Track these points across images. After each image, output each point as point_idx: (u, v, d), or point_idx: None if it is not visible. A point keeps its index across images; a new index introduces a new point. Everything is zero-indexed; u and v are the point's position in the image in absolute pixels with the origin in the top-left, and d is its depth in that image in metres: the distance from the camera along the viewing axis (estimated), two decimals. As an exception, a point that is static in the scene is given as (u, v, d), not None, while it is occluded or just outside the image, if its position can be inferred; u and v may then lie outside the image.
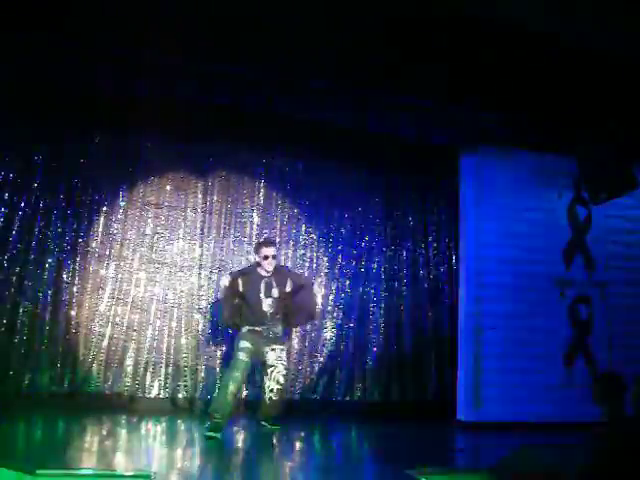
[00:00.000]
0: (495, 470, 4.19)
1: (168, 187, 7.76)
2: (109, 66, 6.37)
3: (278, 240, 7.95)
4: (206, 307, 7.64)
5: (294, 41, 6.17)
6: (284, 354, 6.41)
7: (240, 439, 6.50)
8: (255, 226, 8.00)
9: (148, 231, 7.62)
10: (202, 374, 7.49)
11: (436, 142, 7.72)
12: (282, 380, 6.32)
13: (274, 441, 6.24)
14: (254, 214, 8.02)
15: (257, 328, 6.27)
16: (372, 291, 8.26)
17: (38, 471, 4.15)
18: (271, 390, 6.26)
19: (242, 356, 6.14)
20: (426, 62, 6.43)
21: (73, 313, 7.22)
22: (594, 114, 7.06)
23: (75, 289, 7.28)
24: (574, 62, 6.45)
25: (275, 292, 6.31)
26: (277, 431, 6.35)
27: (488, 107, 7.17)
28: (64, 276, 7.26)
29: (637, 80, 6.60)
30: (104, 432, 6.28)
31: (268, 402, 6.29)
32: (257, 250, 6.49)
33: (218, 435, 5.92)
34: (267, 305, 6.29)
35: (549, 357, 7.75)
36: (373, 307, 8.23)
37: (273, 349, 6.29)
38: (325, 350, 7.97)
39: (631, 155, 7.40)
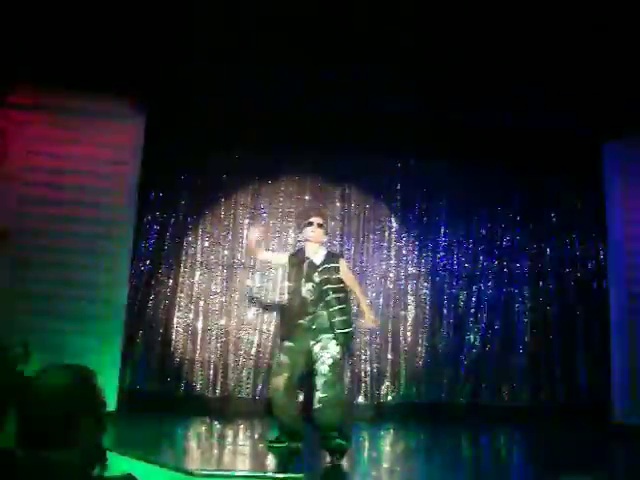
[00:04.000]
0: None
1: (307, 197, 7.93)
2: (252, 82, 6.68)
3: (417, 243, 7.94)
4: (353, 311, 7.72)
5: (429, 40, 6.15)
6: (332, 343, 5.12)
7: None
8: (393, 231, 8.02)
9: (290, 241, 7.81)
10: (347, 379, 7.57)
11: (580, 134, 7.47)
12: (326, 370, 5.03)
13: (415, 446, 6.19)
14: (392, 219, 8.04)
15: (299, 321, 5.26)
16: (516, 291, 8.05)
17: (195, 472, 4.37)
18: (317, 389, 5.05)
19: (283, 358, 5.27)
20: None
21: (222, 322, 7.54)
22: None
23: (224, 299, 7.59)
24: None
25: (316, 277, 5.26)
26: (344, 448, 5.07)
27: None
28: (213, 287, 7.59)
29: None
30: (255, 435, 6.52)
31: (318, 406, 5.02)
32: (302, 217, 5.62)
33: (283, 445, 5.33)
34: (307, 291, 5.28)
35: None
36: (518, 307, 8.02)
37: (319, 340, 5.18)
38: (470, 353, 7.85)
39: None
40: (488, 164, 8.10)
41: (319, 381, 5.03)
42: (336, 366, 5.11)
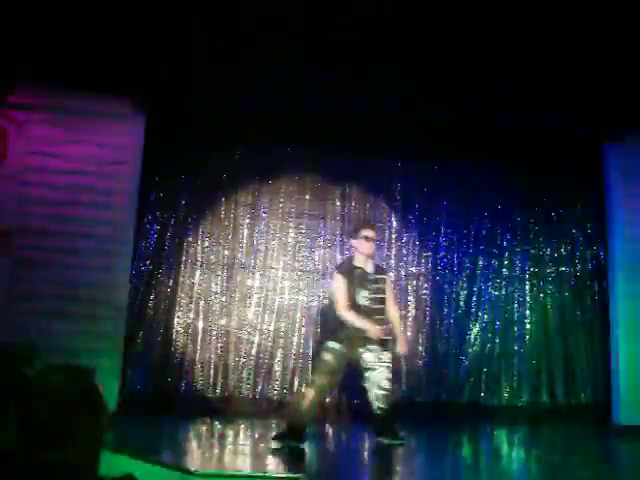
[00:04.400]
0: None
1: (307, 196, 7.93)
2: (252, 82, 6.69)
3: (417, 243, 7.95)
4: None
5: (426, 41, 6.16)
6: (386, 355, 5.55)
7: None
8: (394, 230, 8.02)
9: (290, 240, 7.82)
10: (348, 379, 7.57)
11: (578, 135, 7.47)
12: (386, 384, 5.49)
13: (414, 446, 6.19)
14: (392, 218, 8.04)
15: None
16: (516, 291, 8.05)
17: (195, 471, 4.37)
18: (377, 398, 5.48)
19: (327, 357, 5.49)
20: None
21: (223, 322, 7.54)
22: None
23: (224, 299, 7.60)
24: None
25: (369, 285, 5.59)
26: (398, 446, 5.62)
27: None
28: (213, 287, 7.60)
29: None
30: (256, 435, 6.53)
31: (378, 413, 5.51)
32: (355, 233, 5.78)
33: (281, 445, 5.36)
34: (361, 298, 5.56)
35: None
36: (518, 307, 8.01)
37: (369, 349, 5.51)
38: (470, 352, 7.85)
39: None
40: (488, 164, 8.10)
41: (378, 392, 5.45)
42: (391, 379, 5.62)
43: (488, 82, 6.74)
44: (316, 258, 7.84)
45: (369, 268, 5.67)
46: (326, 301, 7.42)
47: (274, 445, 5.38)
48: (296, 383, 7.52)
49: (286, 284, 7.72)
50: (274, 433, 5.67)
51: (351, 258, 5.82)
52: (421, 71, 6.56)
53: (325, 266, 7.81)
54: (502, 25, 5.95)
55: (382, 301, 5.63)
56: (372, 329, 5.40)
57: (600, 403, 7.50)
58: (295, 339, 7.62)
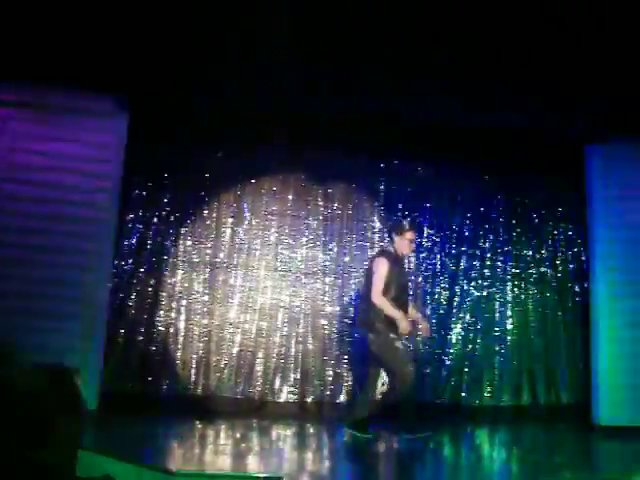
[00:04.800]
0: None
1: (290, 196, 7.92)
2: (235, 81, 6.67)
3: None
4: (331, 312, 7.75)
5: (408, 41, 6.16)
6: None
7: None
8: (376, 231, 8.04)
9: (272, 240, 7.81)
10: (329, 378, 7.60)
11: (562, 136, 7.52)
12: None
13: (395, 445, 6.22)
14: (375, 218, 8.06)
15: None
16: (498, 291, 8.10)
17: (176, 472, 4.35)
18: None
19: (401, 346, 5.98)
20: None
21: (205, 321, 7.52)
22: None
23: (206, 298, 7.58)
24: None
25: (404, 280, 6.17)
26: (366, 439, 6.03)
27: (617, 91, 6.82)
28: (195, 286, 7.58)
29: None
30: (237, 435, 6.52)
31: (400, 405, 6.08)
32: (401, 231, 6.13)
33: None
34: (397, 288, 6.01)
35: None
36: (500, 308, 8.06)
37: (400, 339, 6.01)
38: (451, 353, 7.89)
39: None
40: (471, 165, 8.12)
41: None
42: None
43: (472, 82, 6.74)
44: (298, 258, 7.83)
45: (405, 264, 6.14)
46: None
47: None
48: (277, 383, 7.52)
49: (268, 284, 7.71)
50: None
51: (392, 250, 6.10)
52: (404, 70, 6.55)
53: (307, 265, 7.82)
54: (486, 24, 5.95)
55: (408, 296, 6.12)
56: (404, 322, 5.73)
57: (581, 403, 7.55)
58: (277, 339, 7.61)
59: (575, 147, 7.73)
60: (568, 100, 6.90)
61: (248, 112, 7.25)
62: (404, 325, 5.69)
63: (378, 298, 5.75)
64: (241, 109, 7.22)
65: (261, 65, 6.41)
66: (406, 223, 6.33)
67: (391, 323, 5.80)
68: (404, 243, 6.01)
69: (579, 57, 6.21)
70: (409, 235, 6.06)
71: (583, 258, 8.13)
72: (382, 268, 5.91)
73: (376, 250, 7.88)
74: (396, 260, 6.01)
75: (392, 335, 5.80)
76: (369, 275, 6.08)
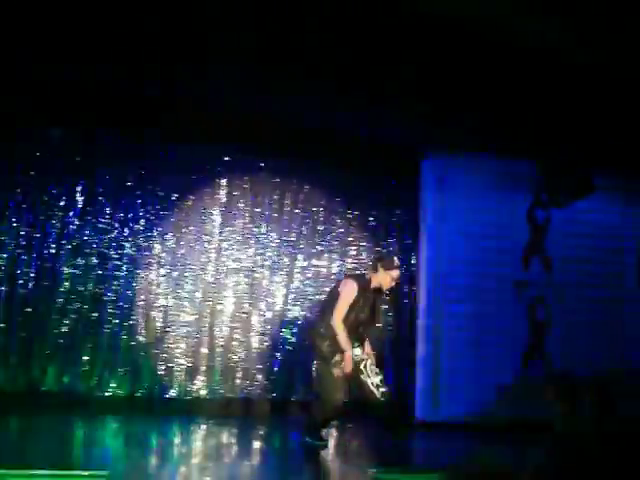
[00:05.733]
0: (448, 470, 4.20)
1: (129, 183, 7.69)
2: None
3: (239, 239, 7.95)
4: (165, 304, 7.64)
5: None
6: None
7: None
8: (217, 224, 7.95)
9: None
10: (162, 372, 7.49)
11: (397, 143, 7.79)
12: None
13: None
14: (215, 212, 7.96)
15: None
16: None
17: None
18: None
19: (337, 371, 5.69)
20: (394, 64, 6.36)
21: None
22: (558, 118, 7.09)
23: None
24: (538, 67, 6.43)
25: (367, 311, 5.86)
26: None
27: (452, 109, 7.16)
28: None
29: (598, 85, 6.62)
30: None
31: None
32: (389, 266, 5.85)
33: None
34: (357, 318, 5.80)
35: (507, 358, 7.86)
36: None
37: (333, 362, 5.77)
38: (285, 348, 7.95)
39: (590, 160, 7.53)
40: (313, 164, 8.19)
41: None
42: None
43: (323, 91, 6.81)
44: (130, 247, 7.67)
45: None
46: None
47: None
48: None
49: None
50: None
51: (369, 278, 5.84)
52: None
53: (142, 255, 7.69)
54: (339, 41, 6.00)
55: (365, 329, 5.88)
56: (348, 353, 5.51)
57: (405, 401, 7.83)
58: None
59: (414, 160, 8.03)
60: (405, 115, 7.16)
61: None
62: (348, 364, 5.53)
63: (337, 323, 5.57)
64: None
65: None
66: (396, 260, 6.16)
67: (337, 350, 5.62)
68: (387, 279, 5.79)
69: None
70: (395, 273, 5.83)
71: (414, 261, 8.40)
72: (349, 293, 5.68)
73: (214, 244, 7.87)
74: (365, 289, 5.77)
75: (333, 360, 5.61)
76: (334, 293, 5.83)
